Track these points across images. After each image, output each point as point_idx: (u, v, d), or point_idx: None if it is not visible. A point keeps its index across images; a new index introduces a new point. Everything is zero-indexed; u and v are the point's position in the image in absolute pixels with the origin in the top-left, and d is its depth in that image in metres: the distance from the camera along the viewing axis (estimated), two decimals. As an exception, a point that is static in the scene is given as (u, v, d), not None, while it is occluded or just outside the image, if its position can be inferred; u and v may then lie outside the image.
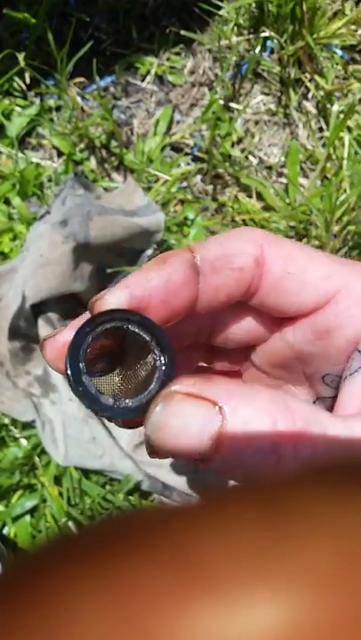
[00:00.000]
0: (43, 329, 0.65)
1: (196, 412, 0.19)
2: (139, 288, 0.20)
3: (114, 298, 0.20)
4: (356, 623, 0.08)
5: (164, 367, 0.20)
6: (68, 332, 0.21)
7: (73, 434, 0.64)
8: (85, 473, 0.67)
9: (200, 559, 0.09)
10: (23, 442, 0.70)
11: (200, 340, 0.27)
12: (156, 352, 0.20)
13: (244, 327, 0.26)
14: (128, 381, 0.22)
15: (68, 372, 0.20)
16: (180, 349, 0.27)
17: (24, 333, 0.67)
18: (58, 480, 0.68)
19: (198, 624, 0.08)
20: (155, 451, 0.20)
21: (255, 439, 0.18)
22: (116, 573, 0.09)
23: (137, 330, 0.20)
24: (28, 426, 0.70)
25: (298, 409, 0.19)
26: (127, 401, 0.20)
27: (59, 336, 0.22)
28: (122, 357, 0.23)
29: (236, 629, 0.08)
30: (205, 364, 0.30)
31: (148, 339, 0.20)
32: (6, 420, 0.70)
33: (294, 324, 0.24)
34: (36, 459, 0.68)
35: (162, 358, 0.20)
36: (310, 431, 0.19)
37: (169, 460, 0.64)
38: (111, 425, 0.66)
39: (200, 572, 0.08)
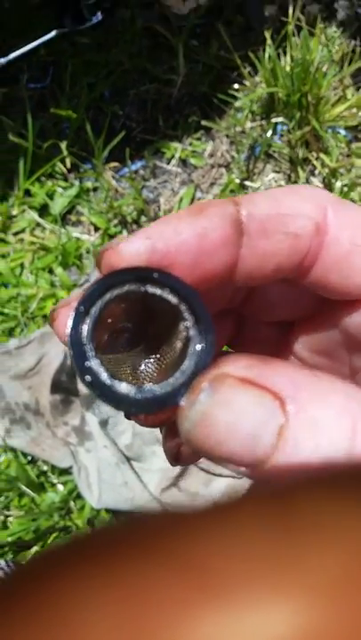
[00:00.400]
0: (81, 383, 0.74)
1: (253, 406, 0.14)
2: (163, 240, 0.16)
3: (130, 247, 0.16)
4: None
5: (200, 341, 0.15)
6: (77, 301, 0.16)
7: (106, 478, 0.71)
8: (116, 515, 0.73)
9: (209, 565, 0.09)
10: (60, 487, 0.77)
11: (232, 305, 0.21)
12: (189, 321, 0.15)
13: (290, 300, 0.21)
14: (153, 361, 0.18)
15: (71, 355, 0.15)
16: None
17: (64, 387, 0.75)
18: (91, 522, 0.74)
19: (205, 630, 0.08)
20: (182, 458, 0.16)
21: (327, 447, 0.14)
22: (123, 577, 0.08)
23: (161, 292, 0.15)
24: (64, 472, 0.77)
25: None
26: (152, 386, 0.15)
27: (72, 303, 0.16)
28: (144, 330, 0.18)
29: (243, 636, 0.08)
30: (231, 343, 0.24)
31: (176, 303, 0.15)
32: (45, 467, 0.77)
33: (353, 306, 0.19)
34: (72, 503, 0.75)
35: (197, 329, 0.15)
36: None
37: (193, 504, 0.69)
38: (141, 470, 0.72)
39: (208, 577, 0.08)
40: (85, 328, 0.15)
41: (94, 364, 0.15)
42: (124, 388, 0.15)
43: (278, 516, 0.10)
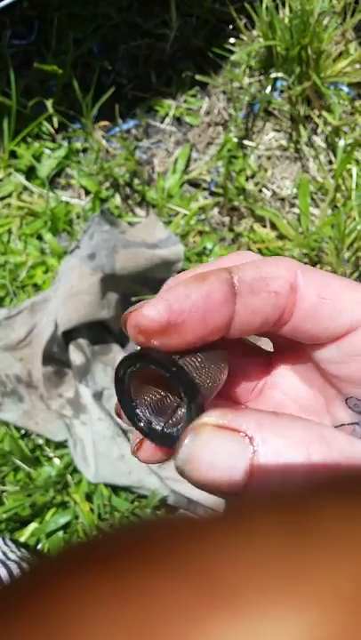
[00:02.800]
0: (73, 354, 0.70)
1: (226, 445, 0.18)
2: (178, 303, 0.20)
3: (152, 311, 0.20)
4: None
5: (187, 405, 0.20)
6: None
7: (103, 452, 0.68)
8: (115, 490, 0.71)
9: (221, 576, 0.08)
10: (56, 461, 0.74)
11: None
12: (180, 391, 0.21)
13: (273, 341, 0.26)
14: (166, 411, 0.23)
15: (122, 410, 0.22)
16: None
17: (57, 359, 0.72)
18: (89, 497, 0.72)
19: None
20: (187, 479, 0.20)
21: (288, 471, 0.18)
22: (133, 587, 0.08)
23: (164, 372, 0.20)
24: (60, 446, 0.74)
25: (332, 439, 0.18)
26: (168, 429, 0.21)
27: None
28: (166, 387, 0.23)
29: None
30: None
31: (168, 378, 0.20)
32: (40, 441, 0.75)
33: (323, 347, 0.23)
34: (69, 477, 0.73)
35: (185, 396, 0.20)
36: (346, 463, 0.18)
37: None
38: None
39: (220, 588, 0.08)
40: (124, 388, 0.22)
41: (139, 411, 0.22)
42: (156, 424, 0.22)
43: (292, 527, 0.10)
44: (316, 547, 0.09)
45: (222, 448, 0.18)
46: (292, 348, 0.25)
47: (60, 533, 0.73)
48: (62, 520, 0.72)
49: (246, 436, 0.18)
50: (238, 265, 0.22)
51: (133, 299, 0.74)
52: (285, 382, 0.26)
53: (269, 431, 0.18)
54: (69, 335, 0.71)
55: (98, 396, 0.70)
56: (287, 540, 0.09)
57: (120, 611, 0.08)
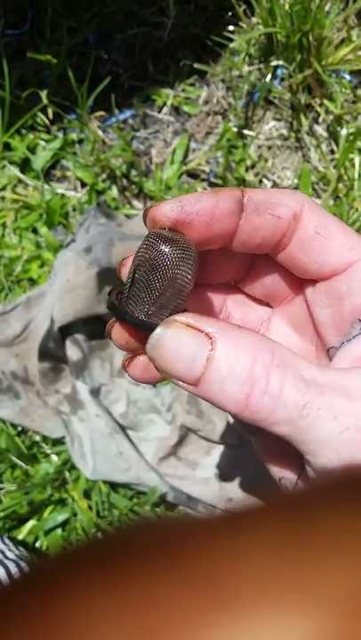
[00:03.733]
0: (70, 349, 0.69)
1: (189, 340, 0.21)
2: (189, 205, 0.23)
3: (167, 207, 0.23)
4: None
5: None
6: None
7: (100, 448, 0.67)
8: (113, 486, 0.70)
9: (225, 580, 0.08)
10: (54, 458, 0.73)
11: (235, 280, 0.29)
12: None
13: (272, 281, 0.28)
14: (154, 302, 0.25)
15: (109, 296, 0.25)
16: (215, 286, 0.30)
17: (53, 354, 0.71)
18: (87, 494, 0.71)
19: None
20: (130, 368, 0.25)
21: (235, 370, 0.21)
22: (137, 592, 0.08)
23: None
24: (58, 442, 0.73)
25: (278, 351, 0.21)
26: (150, 318, 0.24)
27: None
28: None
29: None
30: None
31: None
32: (37, 438, 0.73)
33: (313, 286, 0.26)
34: (67, 474, 0.72)
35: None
36: (284, 370, 0.21)
37: (193, 473, 0.66)
38: (137, 439, 0.69)
39: (224, 593, 0.08)
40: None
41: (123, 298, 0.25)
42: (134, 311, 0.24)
43: (295, 531, 0.10)
44: (319, 551, 0.09)
45: (186, 342, 0.22)
46: (289, 298, 0.29)
47: (59, 531, 0.72)
48: (60, 517, 0.72)
49: (208, 336, 0.21)
50: (253, 188, 0.25)
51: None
52: (280, 331, 0.29)
53: (228, 337, 0.21)
54: (66, 330, 0.70)
55: (95, 392, 0.69)
56: (290, 544, 0.09)
57: (123, 614, 0.08)
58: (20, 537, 0.71)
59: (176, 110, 0.83)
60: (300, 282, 0.27)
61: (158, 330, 0.22)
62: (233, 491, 0.64)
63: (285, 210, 0.24)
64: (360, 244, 0.24)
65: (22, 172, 0.79)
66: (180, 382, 0.22)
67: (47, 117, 0.82)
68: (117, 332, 0.26)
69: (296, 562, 0.09)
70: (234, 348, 0.21)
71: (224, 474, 0.65)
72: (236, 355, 0.21)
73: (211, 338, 0.21)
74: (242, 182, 0.77)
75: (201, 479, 0.65)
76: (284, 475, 0.26)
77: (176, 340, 0.22)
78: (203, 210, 0.23)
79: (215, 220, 0.23)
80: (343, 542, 0.09)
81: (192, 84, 0.84)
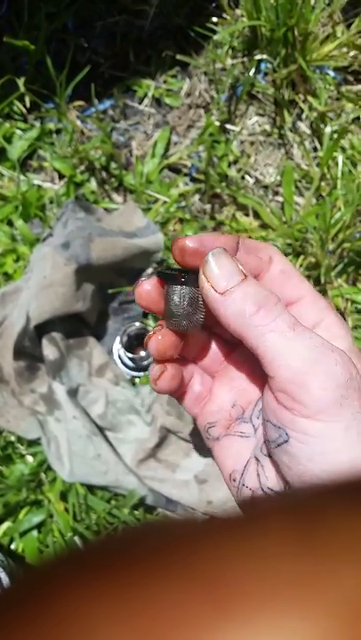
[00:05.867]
0: (47, 348, 0.67)
1: (233, 266, 0.30)
2: (205, 241, 0.31)
3: (190, 240, 0.31)
4: None
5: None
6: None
7: (78, 451, 0.65)
8: (91, 489, 0.68)
9: (231, 582, 0.08)
10: (29, 458, 0.71)
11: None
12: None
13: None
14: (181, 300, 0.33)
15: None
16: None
17: (28, 353, 0.69)
18: (64, 496, 0.69)
19: None
20: (161, 380, 0.34)
21: (256, 296, 0.30)
22: (141, 594, 0.08)
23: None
24: (33, 443, 0.71)
25: (280, 303, 0.30)
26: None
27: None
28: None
29: None
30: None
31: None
32: (12, 438, 0.71)
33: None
34: (43, 475, 0.70)
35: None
36: (281, 311, 0.30)
37: (172, 475, 0.65)
38: (116, 441, 0.67)
39: (230, 595, 0.08)
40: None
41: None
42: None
43: (304, 535, 0.09)
44: (328, 556, 0.09)
45: (230, 266, 0.31)
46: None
47: (35, 532, 0.70)
48: (36, 519, 0.70)
49: (243, 273, 0.31)
50: (244, 237, 0.33)
51: (110, 290, 0.71)
52: (237, 371, 0.37)
53: (254, 282, 0.31)
54: (42, 329, 0.67)
55: (73, 392, 0.67)
56: (299, 548, 0.09)
57: (125, 617, 0.08)
58: (-6, 540, 0.69)
59: (157, 102, 0.80)
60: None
61: (215, 250, 0.30)
62: (213, 494, 0.63)
63: (264, 253, 0.33)
64: (306, 286, 0.34)
65: (-3, 162, 0.76)
66: (212, 291, 0.29)
67: (24, 106, 0.79)
68: (156, 341, 0.33)
69: (306, 568, 0.09)
70: (257, 285, 0.30)
71: (204, 476, 0.64)
72: (258, 288, 0.30)
73: (245, 275, 0.30)
74: (224, 178, 0.76)
75: (181, 482, 0.64)
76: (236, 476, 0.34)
77: (226, 260, 0.30)
78: (214, 245, 0.31)
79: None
80: (353, 549, 0.09)
81: (174, 76, 0.82)
